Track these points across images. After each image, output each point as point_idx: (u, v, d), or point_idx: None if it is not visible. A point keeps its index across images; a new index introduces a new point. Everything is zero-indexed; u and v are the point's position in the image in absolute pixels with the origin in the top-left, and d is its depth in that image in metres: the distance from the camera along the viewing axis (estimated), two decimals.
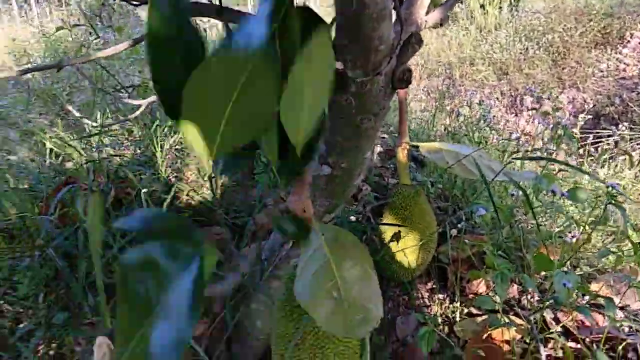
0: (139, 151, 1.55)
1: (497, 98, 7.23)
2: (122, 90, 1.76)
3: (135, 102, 1.12)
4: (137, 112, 1.11)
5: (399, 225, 1.28)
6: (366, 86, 0.82)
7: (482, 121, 3.10)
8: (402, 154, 1.34)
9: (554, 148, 1.89)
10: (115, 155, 1.51)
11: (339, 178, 1.00)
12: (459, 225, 1.51)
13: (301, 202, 0.83)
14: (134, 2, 0.82)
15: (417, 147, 1.34)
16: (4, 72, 0.71)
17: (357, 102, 0.85)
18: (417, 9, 1.04)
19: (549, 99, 6.84)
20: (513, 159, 1.13)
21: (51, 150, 1.54)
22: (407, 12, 1.03)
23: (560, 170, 1.80)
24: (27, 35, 6.05)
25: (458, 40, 8.28)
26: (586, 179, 2.25)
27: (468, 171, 1.22)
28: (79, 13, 7.04)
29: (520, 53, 7.72)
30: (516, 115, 7.04)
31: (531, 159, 1.03)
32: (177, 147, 1.58)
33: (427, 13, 1.08)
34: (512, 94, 7.43)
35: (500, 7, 9.04)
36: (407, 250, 1.29)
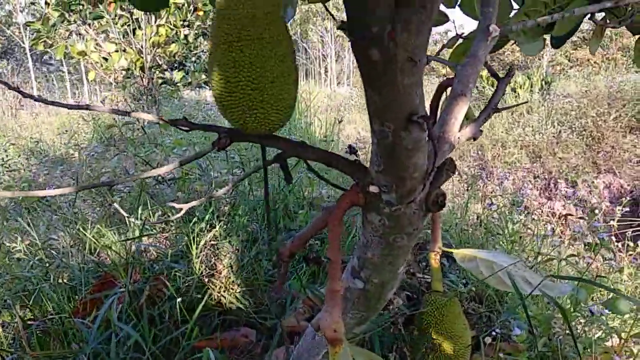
0: (175, 246, 1.59)
1: (530, 181, 7.15)
2: (163, 183, 1.84)
3: (177, 206, 1.16)
4: (178, 215, 1.15)
5: (431, 338, 1.24)
6: (400, 210, 0.84)
7: (514, 212, 3.06)
8: (434, 261, 1.33)
9: (592, 248, 1.84)
10: (152, 246, 1.55)
11: (371, 292, 1.00)
12: (493, 333, 1.45)
13: (332, 321, 0.83)
14: (184, 128, 0.88)
15: (451, 253, 1.33)
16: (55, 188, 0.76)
17: (390, 223, 0.86)
18: (450, 127, 1.08)
19: (584, 182, 6.72)
20: (551, 276, 1.10)
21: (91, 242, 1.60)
22: (441, 130, 1.07)
23: (598, 275, 1.73)
24: (78, 114, 6.46)
25: (490, 122, 8.38)
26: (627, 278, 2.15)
27: (503, 283, 1.19)
28: (125, 94, 7.52)
29: (553, 136, 7.72)
30: (550, 199, 6.92)
31: (570, 278, 1.01)
32: (212, 242, 1.62)
33: (460, 129, 1.11)
34: (546, 177, 7.34)
35: (531, 91, 9.19)
36: None
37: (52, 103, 0.93)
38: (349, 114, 9.83)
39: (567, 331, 1.50)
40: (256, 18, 0.66)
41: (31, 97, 0.97)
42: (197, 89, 8.32)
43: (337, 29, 0.64)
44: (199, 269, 1.47)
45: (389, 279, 0.98)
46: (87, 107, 0.93)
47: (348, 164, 0.88)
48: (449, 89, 1.27)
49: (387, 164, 0.79)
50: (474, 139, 1.19)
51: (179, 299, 1.22)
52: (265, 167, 0.92)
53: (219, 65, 0.68)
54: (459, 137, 1.12)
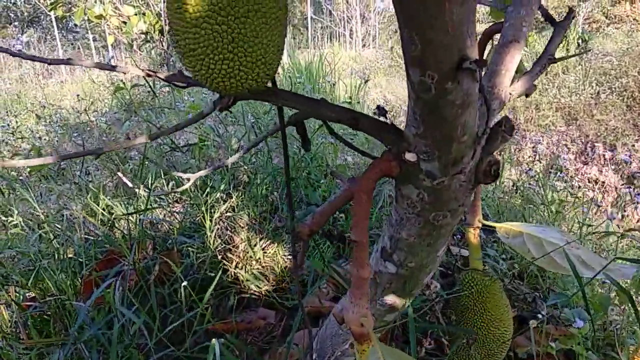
0: (188, 218, 1.48)
1: (566, 145, 6.84)
2: (177, 149, 1.72)
3: (184, 176, 1.04)
4: (186, 186, 1.02)
5: (471, 323, 1.11)
6: (444, 182, 0.68)
7: (553, 178, 2.86)
8: (473, 236, 1.18)
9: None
10: (164, 220, 1.45)
11: (405, 277, 0.86)
12: (539, 315, 1.30)
13: (359, 313, 0.69)
14: (180, 85, 0.74)
15: (493, 228, 1.17)
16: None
17: (431, 198, 0.71)
18: (501, 80, 0.90)
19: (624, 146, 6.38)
20: (617, 258, 0.94)
21: (101, 213, 1.50)
22: (490, 84, 0.89)
23: None
24: (99, 81, 6.40)
25: None
26: None
27: (557, 265, 1.03)
28: (149, 59, 7.42)
29: (591, 97, 7.32)
30: (586, 163, 6.62)
31: (634, 261, 0.85)
32: (227, 214, 1.49)
33: (510, 83, 0.94)
34: (582, 141, 7.01)
35: (567, 50, 8.68)
36: (480, 353, 1.11)
37: (66, 62, 0.80)
38: (375, 77, 9.52)
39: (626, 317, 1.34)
40: None
41: (40, 59, 0.83)
42: None
43: None
44: (214, 244, 1.35)
45: (427, 263, 0.83)
46: (67, 62, 0.79)
47: (378, 126, 0.72)
48: (497, 36, 1.08)
49: (428, 125, 0.63)
50: (526, 95, 1.01)
51: (190, 279, 1.11)
52: (282, 130, 0.77)
53: (181, 11, 0.48)
54: (510, 93, 0.95)
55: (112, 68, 0.79)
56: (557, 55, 1.00)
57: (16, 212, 1.39)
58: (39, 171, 2.07)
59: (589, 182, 5.83)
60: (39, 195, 1.93)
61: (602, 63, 7.82)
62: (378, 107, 0.95)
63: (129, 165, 1.97)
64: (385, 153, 0.74)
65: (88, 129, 2.97)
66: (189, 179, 1.13)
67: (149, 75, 0.76)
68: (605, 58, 8.04)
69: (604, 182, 5.72)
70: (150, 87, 1.48)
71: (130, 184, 1.14)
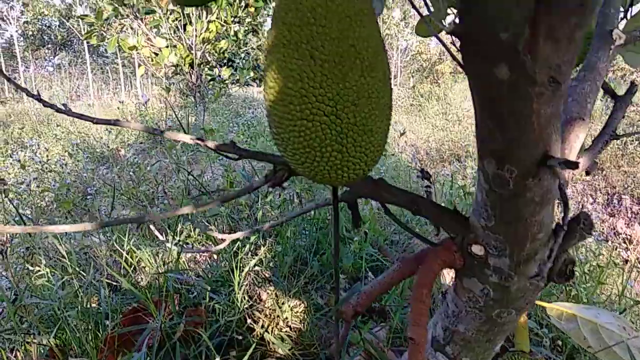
0: (216, 271, 1.43)
1: (591, 195, 6.70)
2: (207, 194, 1.69)
3: (219, 236, 0.99)
4: (221, 246, 0.97)
5: None
6: (513, 279, 0.63)
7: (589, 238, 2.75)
8: (522, 317, 1.10)
9: None
10: (190, 270, 1.40)
11: None
12: None
13: None
14: (231, 156, 0.71)
15: (542, 307, 1.10)
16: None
17: (497, 295, 0.65)
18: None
19: None
20: None
21: (126, 260, 1.46)
22: None
23: None
24: (130, 107, 6.51)
25: None
26: None
27: (617, 357, 0.95)
28: (176, 88, 7.55)
29: (618, 148, 7.21)
30: (613, 216, 6.45)
31: None
32: (256, 268, 1.44)
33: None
34: (609, 191, 6.87)
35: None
36: None
37: (80, 117, 0.78)
38: (395, 114, 9.55)
39: None
40: (337, 7, 0.42)
41: (52, 106, 0.81)
42: (245, 85, 8.25)
43: (448, 33, 0.40)
44: (242, 302, 1.29)
45: (483, 358, 0.76)
46: (115, 123, 0.76)
47: (440, 211, 0.67)
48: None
49: (501, 220, 0.58)
50: (587, 173, 0.96)
51: (215, 341, 1.05)
52: (335, 205, 0.72)
53: (275, 78, 0.44)
54: (572, 172, 0.89)
55: (160, 133, 0.76)
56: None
57: (44, 262, 1.35)
58: (65, 208, 2.06)
59: (615, 235, 5.67)
60: (63, 232, 1.90)
61: (629, 113, 7.72)
62: (422, 170, 0.90)
63: (158, 208, 1.93)
64: (447, 241, 0.68)
65: (116, 159, 2.97)
66: (224, 240, 1.09)
67: (197, 143, 0.72)
68: (632, 108, 7.96)
69: (631, 237, 5.55)
70: (182, 126, 1.46)
71: (161, 237, 1.10)
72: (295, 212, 0.87)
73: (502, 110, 0.44)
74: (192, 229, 1.67)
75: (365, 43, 0.43)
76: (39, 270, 1.34)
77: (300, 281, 1.42)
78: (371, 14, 0.45)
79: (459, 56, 0.48)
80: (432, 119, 9.30)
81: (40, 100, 0.75)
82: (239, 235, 1.07)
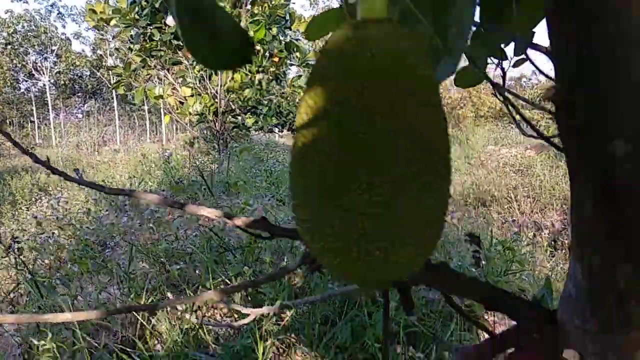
0: (237, 341, 1.31)
1: None
2: (228, 251, 1.59)
3: (244, 311, 0.88)
4: (245, 321, 0.86)
5: None
6: None
7: None
8: None
9: None
10: (210, 342, 1.28)
11: None
12: None
13: None
14: (264, 237, 0.60)
15: None
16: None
17: None
18: None
19: None
20: None
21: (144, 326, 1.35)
22: None
23: None
24: (154, 154, 6.56)
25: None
26: None
27: None
28: (200, 135, 7.63)
29: None
30: None
31: None
32: (281, 336, 1.31)
33: None
34: None
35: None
36: None
37: (89, 185, 0.69)
38: None
39: None
40: (387, 75, 0.26)
41: (61, 174, 0.73)
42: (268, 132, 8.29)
43: (544, 99, 0.26)
44: None
45: None
46: (128, 194, 0.68)
47: (521, 306, 0.55)
48: None
49: (608, 325, 0.45)
50: None
51: None
52: (386, 295, 0.61)
53: (305, 168, 0.29)
54: None
55: (181, 207, 0.66)
56: None
57: (50, 335, 1.26)
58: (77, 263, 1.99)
59: None
60: (79, 288, 1.81)
61: None
62: (470, 234, 0.78)
63: (177, 267, 1.83)
64: (533, 341, 0.56)
65: (137, 210, 2.92)
66: (248, 315, 0.97)
67: (225, 221, 0.62)
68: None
69: None
70: (207, 186, 1.37)
71: (181, 309, 0.99)
72: (334, 292, 0.76)
73: (621, 194, 0.33)
74: (212, 287, 1.56)
75: (427, 121, 0.31)
76: (44, 344, 1.24)
77: (331, 351, 1.28)
78: (433, 83, 0.33)
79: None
80: (454, 162, 9.17)
81: (49, 167, 0.68)
82: (265, 310, 0.95)
